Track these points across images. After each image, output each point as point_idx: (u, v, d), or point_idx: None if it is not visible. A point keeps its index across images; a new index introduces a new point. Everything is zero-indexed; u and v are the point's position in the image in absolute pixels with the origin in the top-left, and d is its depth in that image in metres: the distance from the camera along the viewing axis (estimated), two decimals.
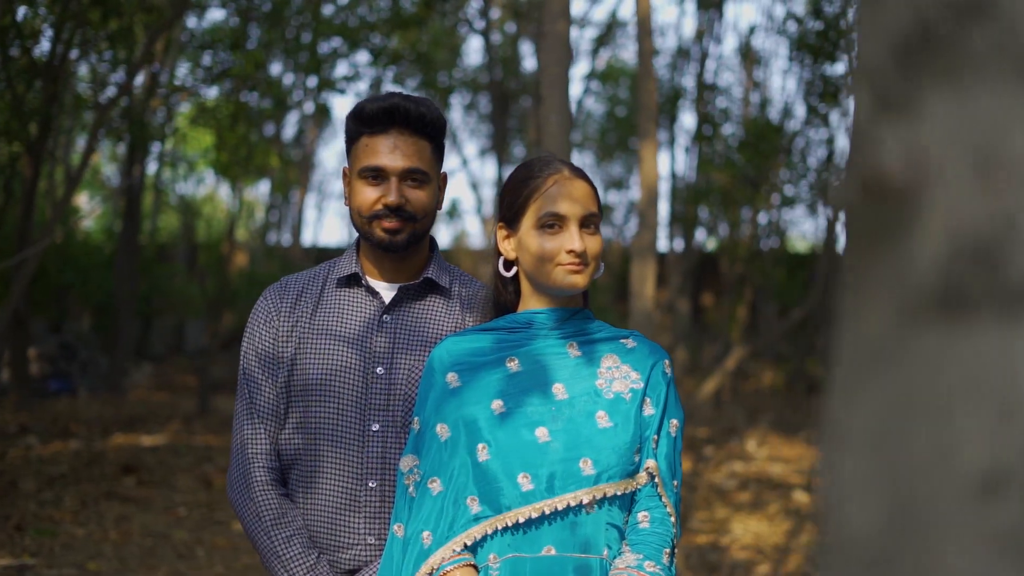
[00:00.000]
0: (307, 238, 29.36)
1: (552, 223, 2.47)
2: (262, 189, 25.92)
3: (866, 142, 0.70)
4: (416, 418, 2.54)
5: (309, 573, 2.61)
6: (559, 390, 2.45)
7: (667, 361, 2.56)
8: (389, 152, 2.66)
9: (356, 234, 2.83)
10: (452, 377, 2.50)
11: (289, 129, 24.02)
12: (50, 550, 7.56)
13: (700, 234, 24.60)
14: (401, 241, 2.69)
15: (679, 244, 23.48)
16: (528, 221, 2.50)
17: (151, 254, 20.96)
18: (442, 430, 2.46)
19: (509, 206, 2.56)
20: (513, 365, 2.50)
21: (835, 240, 19.54)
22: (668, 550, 2.41)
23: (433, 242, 2.89)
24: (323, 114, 17.84)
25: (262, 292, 2.89)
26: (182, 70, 16.15)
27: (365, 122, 2.68)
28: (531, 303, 2.57)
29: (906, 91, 0.69)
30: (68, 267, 17.71)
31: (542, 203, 2.48)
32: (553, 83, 4.86)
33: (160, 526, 8.52)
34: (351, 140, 2.74)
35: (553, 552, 2.35)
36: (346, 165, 2.81)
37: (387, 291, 2.79)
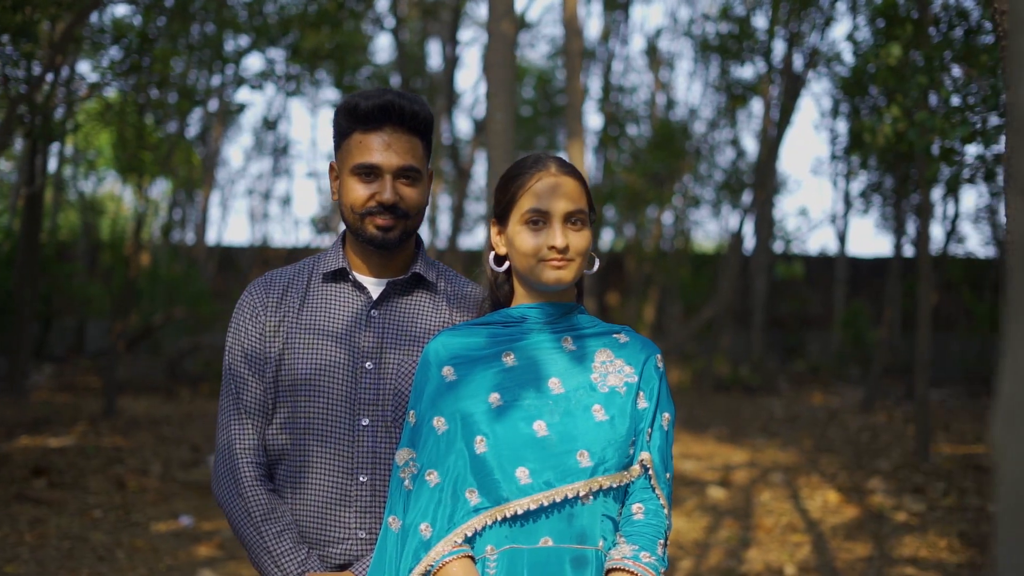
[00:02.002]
0: (211, 237, 28.94)
1: (536, 219, 2.52)
2: (163, 187, 25.48)
3: None
4: (412, 411, 2.55)
5: (300, 568, 2.60)
6: (555, 384, 2.49)
7: (659, 356, 2.61)
8: (383, 150, 2.66)
9: (339, 229, 2.82)
10: (448, 371, 2.52)
11: (192, 127, 23.67)
12: None
13: (606, 234, 24.76)
14: (394, 238, 2.70)
15: None
16: (515, 217, 2.55)
17: (51, 253, 20.51)
18: (439, 423, 2.47)
19: (499, 203, 2.61)
20: (509, 360, 2.53)
21: (742, 240, 19.82)
22: (662, 541, 2.46)
23: (418, 238, 2.90)
24: (240, 111, 17.61)
25: (246, 287, 2.86)
26: (83, 66, 15.84)
27: (359, 119, 2.67)
28: (524, 298, 2.61)
29: None
30: None
31: (527, 200, 2.53)
32: (498, 82, 4.87)
33: (76, 528, 8.36)
34: (342, 136, 2.72)
35: (550, 543, 2.39)
36: (333, 160, 2.80)
37: (375, 286, 2.79)
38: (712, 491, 10.61)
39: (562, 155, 2.64)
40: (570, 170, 2.58)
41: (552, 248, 2.49)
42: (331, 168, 2.80)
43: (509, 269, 2.62)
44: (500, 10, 4.93)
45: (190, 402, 17.45)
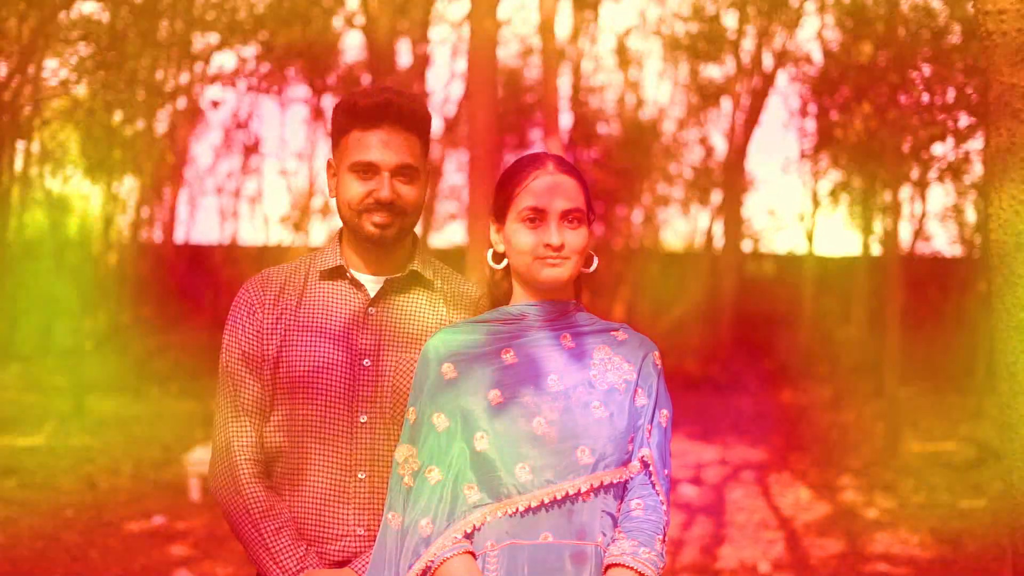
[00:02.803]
0: (180, 235, 28.72)
1: (532, 217, 2.53)
2: (131, 185, 25.27)
3: None
4: (412, 408, 2.56)
5: (298, 565, 2.59)
6: (554, 381, 2.50)
7: (656, 353, 2.63)
8: (381, 147, 2.66)
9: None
10: (448, 368, 2.53)
11: (161, 124, 23.44)
12: None
13: None
14: (391, 235, 2.70)
15: None
16: (513, 215, 2.56)
17: (18, 251, 20.32)
18: (439, 420, 2.48)
19: (497, 200, 2.63)
20: (508, 357, 2.53)
21: (711, 238, 19.89)
22: (661, 537, 2.49)
23: (415, 236, 2.89)
24: (215, 107, 17.53)
25: (242, 285, 2.85)
26: (51, 63, 15.68)
27: (357, 116, 2.67)
28: (522, 296, 2.62)
29: None
30: None
31: (525, 198, 2.54)
32: (481, 81, 4.87)
33: (48, 529, 8.30)
34: (340, 133, 2.72)
35: (550, 539, 2.40)
36: (330, 157, 2.79)
37: (372, 284, 2.78)
38: (684, 488, 10.66)
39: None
40: (568, 169, 2.59)
41: (548, 246, 2.50)
42: (328, 165, 2.80)
43: (507, 267, 2.63)
44: (483, 8, 4.93)
45: (159, 401, 17.35)
